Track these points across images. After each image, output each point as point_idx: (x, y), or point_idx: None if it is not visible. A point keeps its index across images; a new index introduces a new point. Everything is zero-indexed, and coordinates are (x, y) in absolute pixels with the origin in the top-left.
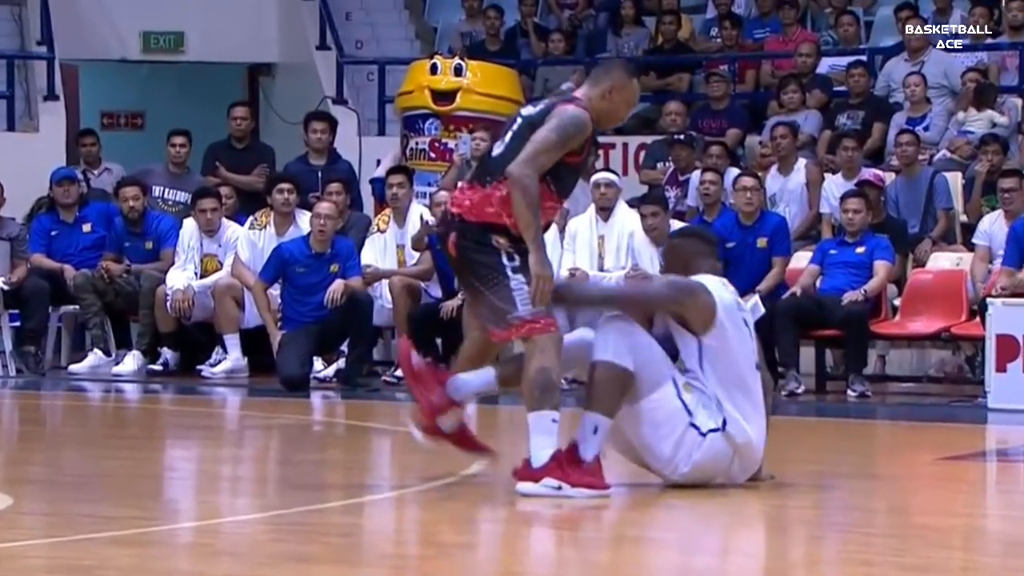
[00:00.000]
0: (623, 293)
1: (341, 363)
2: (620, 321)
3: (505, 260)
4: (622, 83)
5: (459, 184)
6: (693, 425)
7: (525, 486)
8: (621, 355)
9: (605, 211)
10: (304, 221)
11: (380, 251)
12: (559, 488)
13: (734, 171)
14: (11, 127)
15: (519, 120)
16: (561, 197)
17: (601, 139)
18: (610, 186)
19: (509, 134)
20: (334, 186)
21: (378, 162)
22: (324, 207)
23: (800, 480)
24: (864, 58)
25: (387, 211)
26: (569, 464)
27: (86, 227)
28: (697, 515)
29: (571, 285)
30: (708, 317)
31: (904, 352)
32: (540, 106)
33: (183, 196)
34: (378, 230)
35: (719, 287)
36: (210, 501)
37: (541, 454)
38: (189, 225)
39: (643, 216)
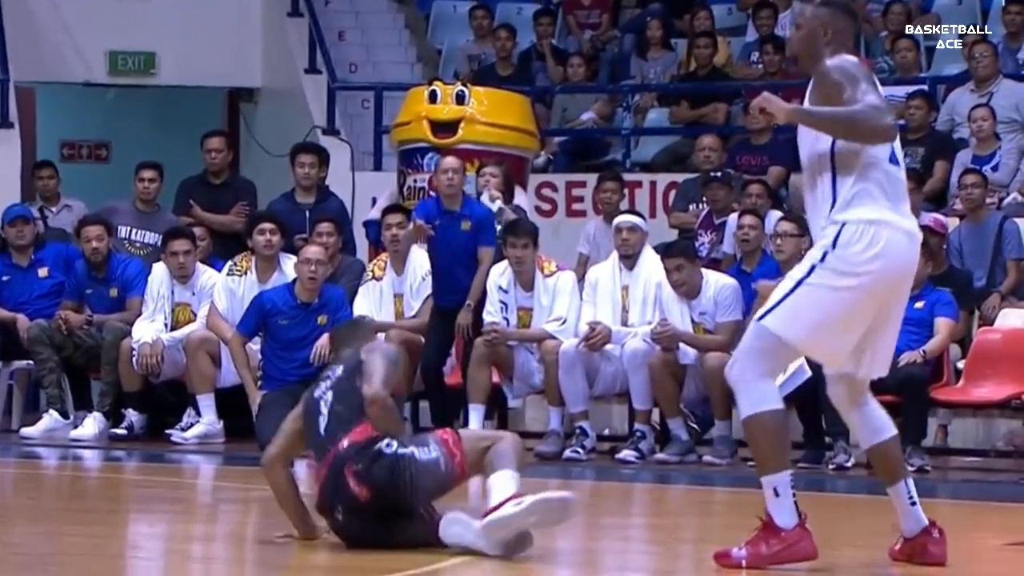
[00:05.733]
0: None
1: None
2: (747, 368)
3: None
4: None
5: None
6: None
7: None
8: (761, 400)
9: (629, 258)
10: (289, 267)
11: (375, 301)
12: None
13: (776, 214)
14: None
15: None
16: None
17: (626, 176)
18: (633, 230)
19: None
20: (324, 226)
21: (374, 200)
22: (312, 251)
23: (850, 566)
24: (925, 88)
25: (383, 256)
26: (768, 536)
27: (42, 272)
28: None
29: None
30: None
31: (968, 422)
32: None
33: (152, 237)
34: (373, 277)
35: None
36: None
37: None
38: (159, 270)
39: (667, 270)
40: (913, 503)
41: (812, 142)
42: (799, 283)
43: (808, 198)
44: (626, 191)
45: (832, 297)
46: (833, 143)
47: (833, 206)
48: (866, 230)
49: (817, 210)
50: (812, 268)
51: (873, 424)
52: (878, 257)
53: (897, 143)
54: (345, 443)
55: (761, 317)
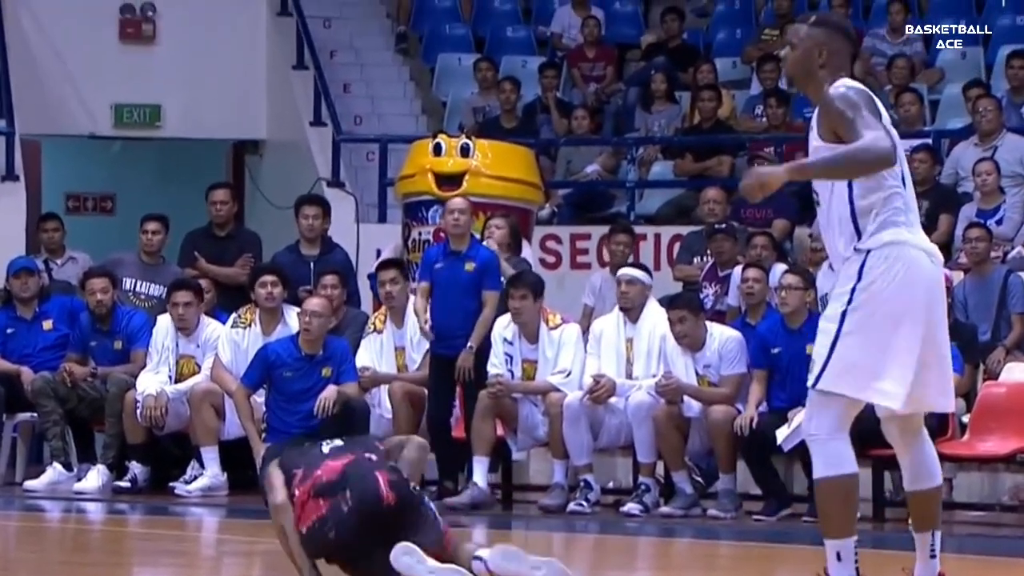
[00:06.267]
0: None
1: None
2: (821, 426)
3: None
4: None
5: None
6: None
7: None
8: (837, 463)
9: (629, 311)
10: (293, 319)
11: (377, 353)
12: None
13: (780, 267)
14: None
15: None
16: None
17: (637, 228)
18: (632, 283)
19: None
20: (328, 279)
21: (378, 253)
22: (313, 303)
23: None
24: (929, 141)
25: (384, 310)
26: None
27: (47, 324)
28: None
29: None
30: None
31: (974, 475)
32: None
33: (157, 289)
34: (375, 330)
35: None
36: None
37: None
38: (163, 322)
39: (671, 322)
40: (934, 556)
41: (828, 182)
42: (837, 336)
43: (827, 235)
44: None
45: (873, 337)
46: (850, 182)
47: (859, 239)
48: (889, 253)
49: (837, 243)
50: (843, 316)
51: (921, 470)
52: (903, 278)
53: (905, 166)
54: (374, 456)
55: (815, 384)
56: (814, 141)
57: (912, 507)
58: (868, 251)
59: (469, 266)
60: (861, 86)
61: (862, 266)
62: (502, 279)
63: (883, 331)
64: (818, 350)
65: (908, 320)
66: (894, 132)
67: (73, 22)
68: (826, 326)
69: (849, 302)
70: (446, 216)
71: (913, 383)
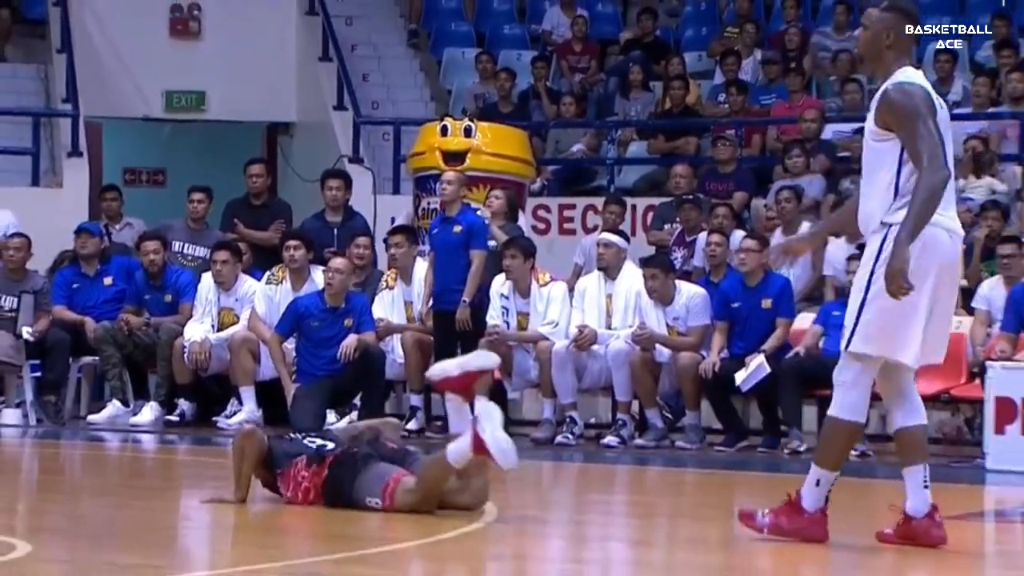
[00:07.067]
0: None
1: (354, 416)
2: (848, 377)
3: None
4: None
5: None
6: None
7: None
8: (851, 410)
9: (607, 270)
10: (319, 276)
11: (389, 307)
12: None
13: (740, 233)
14: (36, 183)
15: None
16: None
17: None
18: (608, 246)
19: None
20: (362, 240)
21: (392, 220)
22: (337, 262)
23: (844, 545)
24: None
25: (394, 269)
26: (792, 513)
27: (107, 280)
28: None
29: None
30: None
31: None
32: None
33: (202, 251)
34: (387, 286)
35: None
36: (224, 551)
37: None
38: (207, 280)
39: (645, 278)
40: (926, 486)
41: (873, 145)
42: (863, 303)
43: (866, 190)
44: (614, 210)
45: (892, 303)
46: (899, 167)
47: (896, 195)
48: None
49: (874, 199)
50: (869, 285)
51: (910, 408)
52: (921, 255)
53: (950, 150)
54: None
55: (847, 346)
56: (869, 124)
57: (902, 444)
58: (890, 225)
59: (457, 228)
60: (923, 82)
61: (884, 239)
62: (492, 241)
63: (900, 301)
64: (848, 316)
65: (917, 289)
66: (944, 122)
67: (129, 20)
68: (855, 295)
69: (872, 272)
70: (440, 186)
71: (921, 342)
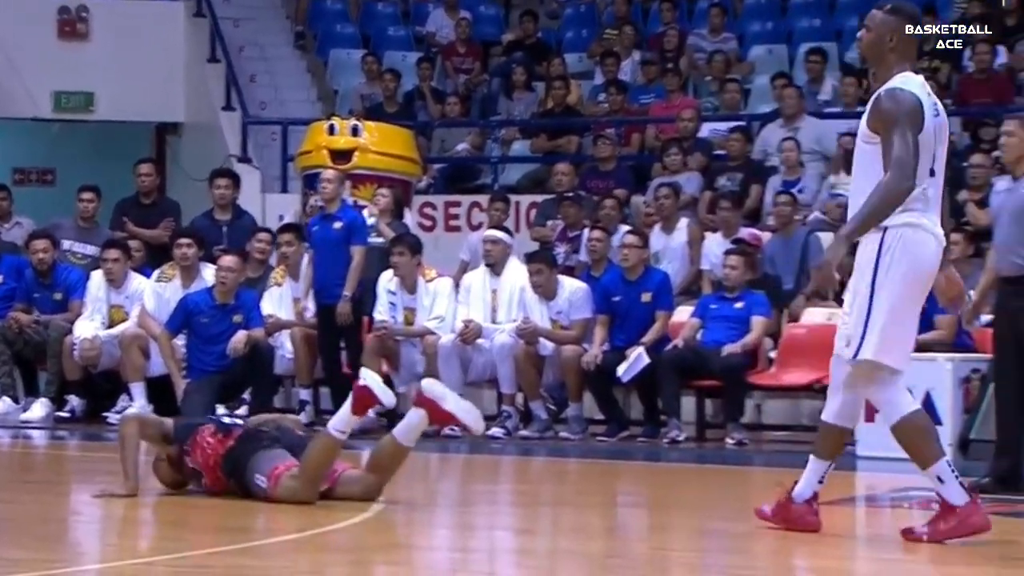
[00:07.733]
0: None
1: (243, 411)
2: (874, 391)
3: None
4: None
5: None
6: None
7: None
8: (899, 407)
9: (493, 266)
10: (208, 274)
11: (277, 303)
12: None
13: (624, 228)
14: None
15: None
16: None
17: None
18: (495, 243)
19: None
20: (263, 235)
21: (280, 218)
22: (228, 260)
23: (682, 524)
24: (744, 123)
25: (283, 266)
26: (946, 515)
27: None
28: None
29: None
30: None
31: (779, 402)
32: None
33: (91, 249)
34: (275, 283)
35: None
36: (115, 544)
37: None
38: (97, 277)
39: (529, 273)
40: (821, 482)
41: (864, 147)
42: (870, 312)
43: (856, 190)
44: (499, 207)
45: (899, 307)
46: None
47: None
48: (904, 233)
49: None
50: (872, 293)
51: (851, 411)
52: (912, 259)
53: (940, 159)
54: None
55: (855, 356)
56: (862, 126)
57: (823, 436)
58: (886, 228)
59: (337, 225)
60: (917, 89)
61: (880, 243)
62: (370, 237)
63: (904, 306)
64: (852, 322)
65: (913, 298)
66: (939, 127)
67: (17, 22)
68: (857, 301)
69: (873, 282)
70: (319, 184)
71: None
